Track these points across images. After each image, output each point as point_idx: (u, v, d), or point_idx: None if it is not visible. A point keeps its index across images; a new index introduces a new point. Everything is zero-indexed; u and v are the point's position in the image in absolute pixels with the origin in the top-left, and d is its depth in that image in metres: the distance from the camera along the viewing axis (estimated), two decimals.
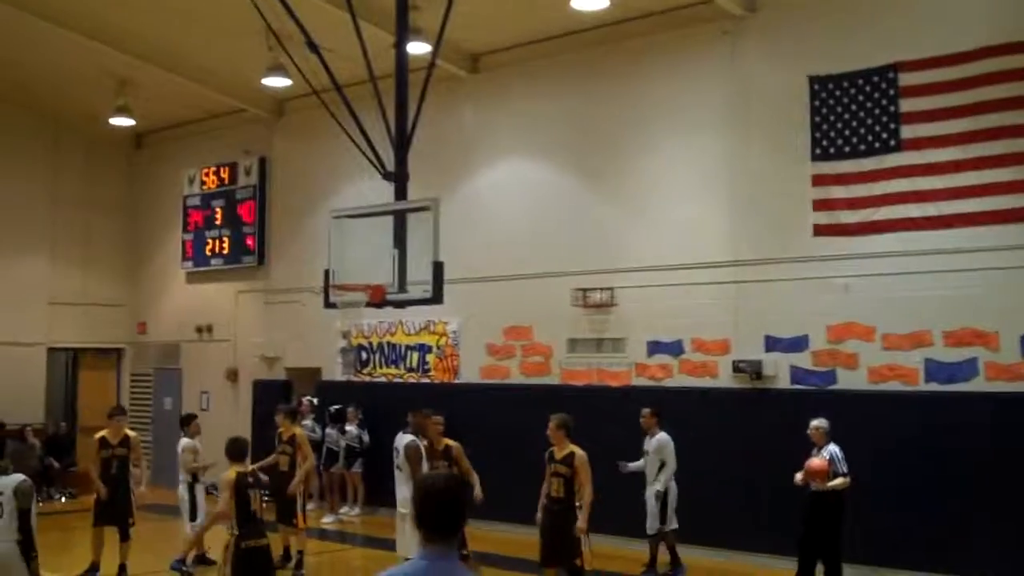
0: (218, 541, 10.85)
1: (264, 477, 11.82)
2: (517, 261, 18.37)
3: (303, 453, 15.18)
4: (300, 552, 14.95)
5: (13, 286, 23.95)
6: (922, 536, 13.88)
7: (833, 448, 13.29)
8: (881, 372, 14.65)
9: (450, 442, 12.99)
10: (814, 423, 13.46)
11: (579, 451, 11.82)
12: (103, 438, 14.67)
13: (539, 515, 12.11)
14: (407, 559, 11.78)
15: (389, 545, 13.50)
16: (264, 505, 11.00)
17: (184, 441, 15.32)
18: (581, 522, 11.61)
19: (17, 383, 23.51)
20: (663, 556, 14.71)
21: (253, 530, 10.25)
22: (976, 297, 13.92)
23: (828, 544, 13.27)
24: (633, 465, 14.67)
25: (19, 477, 9.60)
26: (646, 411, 14.77)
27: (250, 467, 10.78)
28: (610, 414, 15.46)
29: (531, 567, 12.81)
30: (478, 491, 12.78)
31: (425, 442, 12.71)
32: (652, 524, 14.49)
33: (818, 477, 13.09)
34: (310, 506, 16.89)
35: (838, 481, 13.10)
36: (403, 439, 12.57)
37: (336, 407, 20.24)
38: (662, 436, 14.59)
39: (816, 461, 13.18)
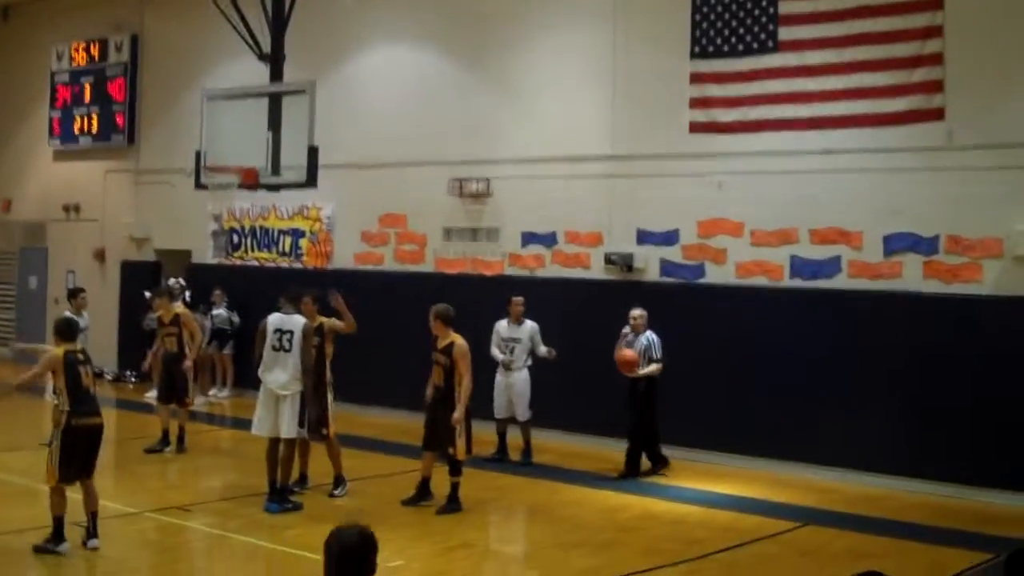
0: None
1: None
2: (394, 148, 18.21)
3: (190, 330, 15.11)
4: (181, 428, 14.95)
5: None
6: (786, 424, 14.38)
7: (650, 335, 13.72)
8: (748, 267, 14.99)
9: (324, 320, 12.33)
10: (635, 312, 13.88)
11: (459, 341, 11.78)
12: None
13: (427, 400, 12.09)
14: (272, 438, 11.82)
15: None
16: (96, 382, 10.58)
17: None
18: (456, 413, 11.60)
19: None
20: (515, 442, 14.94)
21: (86, 408, 9.93)
22: (842, 197, 14.25)
23: (642, 427, 13.78)
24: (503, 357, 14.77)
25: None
26: (519, 299, 14.87)
27: (79, 347, 10.45)
28: (482, 302, 15.56)
29: (413, 452, 12.87)
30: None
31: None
32: (525, 411, 14.62)
33: (627, 367, 13.54)
34: None
35: (651, 368, 13.59)
36: (293, 320, 11.74)
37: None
38: (531, 323, 14.77)
39: (626, 352, 13.62)
